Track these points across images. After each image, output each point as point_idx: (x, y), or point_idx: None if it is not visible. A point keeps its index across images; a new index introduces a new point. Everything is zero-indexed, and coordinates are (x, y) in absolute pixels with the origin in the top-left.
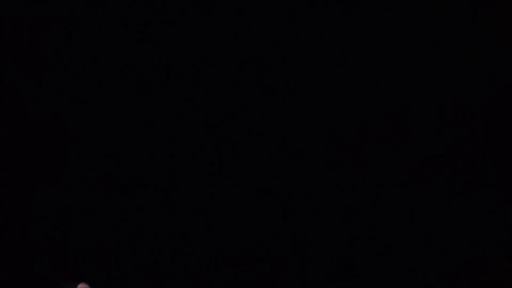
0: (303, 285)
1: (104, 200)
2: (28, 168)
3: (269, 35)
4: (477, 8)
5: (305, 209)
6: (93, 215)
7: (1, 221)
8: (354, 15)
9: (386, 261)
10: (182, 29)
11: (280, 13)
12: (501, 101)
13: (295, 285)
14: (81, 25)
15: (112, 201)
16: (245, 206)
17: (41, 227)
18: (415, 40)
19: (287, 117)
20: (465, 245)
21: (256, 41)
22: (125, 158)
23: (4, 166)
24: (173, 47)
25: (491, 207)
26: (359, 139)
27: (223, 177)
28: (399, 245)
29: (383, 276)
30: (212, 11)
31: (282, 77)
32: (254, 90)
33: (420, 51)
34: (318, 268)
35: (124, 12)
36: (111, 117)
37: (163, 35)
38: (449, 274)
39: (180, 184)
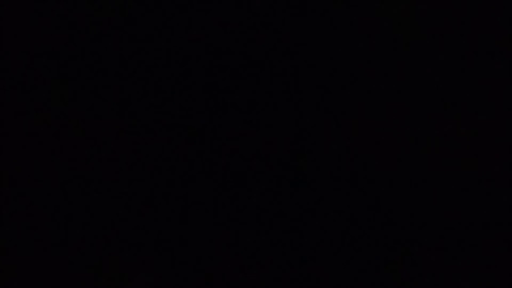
0: (303, 285)
1: (104, 200)
2: (28, 168)
3: (269, 35)
4: (477, 8)
5: (305, 209)
6: (93, 215)
7: (1, 221)
8: (354, 15)
9: (386, 261)
10: (182, 29)
11: (280, 13)
12: (501, 101)
13: (295, 285)
14: (81, 25)
15: (112, 201)
16: (245, 206)
17: (41, 227)
18: (415, 40)
19: (287, 116)
20: (465, 245)
21: (256, 41)
22: (125, 158)
23: (4, 166)
24: (173, 47)
25: (491, 207)
26: (359, 139)
27: (223, 177)
28: (399, 245)
29: (383, 276)
30: (212, 11)
31: (282, 77)
32: (254, 90)
33: (420, 51)
34: (318, 268)
35: (124, 12)
36: (111, 117)
37: (163, 35)
38: (449, 274)
39: (180, 184)
